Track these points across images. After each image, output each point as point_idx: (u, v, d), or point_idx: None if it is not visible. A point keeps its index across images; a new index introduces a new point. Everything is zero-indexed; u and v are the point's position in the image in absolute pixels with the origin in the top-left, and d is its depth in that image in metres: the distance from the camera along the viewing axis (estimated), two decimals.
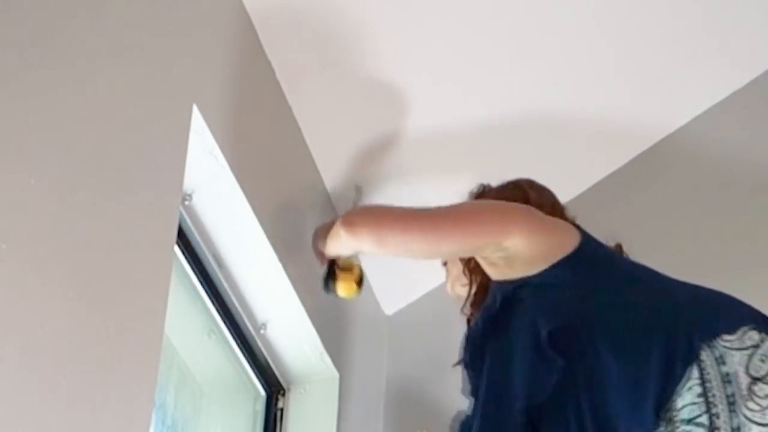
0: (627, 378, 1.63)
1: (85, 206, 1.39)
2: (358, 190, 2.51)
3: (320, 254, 2.13)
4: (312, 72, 2.30)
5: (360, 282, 2.15)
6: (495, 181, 2.06)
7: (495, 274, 1.88)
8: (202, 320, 2.17)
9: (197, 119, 1.78)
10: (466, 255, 1.95)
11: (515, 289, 1.84)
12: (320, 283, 2.11)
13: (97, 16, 1.51)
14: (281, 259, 2.12)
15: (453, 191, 2.02)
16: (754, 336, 1.60)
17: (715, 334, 1.60)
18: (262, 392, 2.37)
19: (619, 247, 2.00)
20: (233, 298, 2.17)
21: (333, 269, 2.11)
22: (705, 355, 1.59)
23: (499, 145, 2.60)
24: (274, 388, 2.38)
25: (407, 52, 2.37)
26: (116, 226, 1.46)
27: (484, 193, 2.07)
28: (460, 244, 1.88)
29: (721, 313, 1.65)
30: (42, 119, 1.32)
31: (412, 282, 2.70)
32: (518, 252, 1.82)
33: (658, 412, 1.58)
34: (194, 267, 2.06)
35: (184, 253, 2.02)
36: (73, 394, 1.28)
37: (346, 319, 2.57)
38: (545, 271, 1.81)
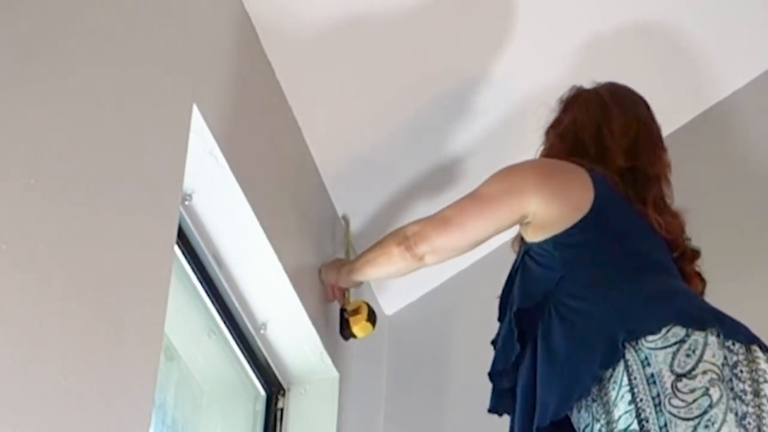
0: (558, 364, 1.72)
1: (85, 206, 1.39)
2: (346, 220, 2.54)
3: (331, 288, 2.29)
4: (312, 72, 2.30)
5: (371, 318, 2.27)
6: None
7: (525, 235, 1.94)
8: (202, 320, 2.17)
9: (197, 119, 1.78)
10: (506, 228, 1.98)
11: (524, 255, 1.91)
12: (338, 335, 2.29)
13: (96, 16, 1.51)
14: (281, 259, 2.12)
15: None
16: (679, 332, 1.63)
17: (638, 335, 1.63)
18: (262, 392, 2.37)
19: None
20: (233, 298, 2.17)
21: (344, 317, 2.27)
22: (631, 359, 1.62)
23: None
24: (274, 388, 2.38)
25: (407, 51, 2.37)
26: (116, 226, 1.46)
27: (576, 95, 2.10)
28: (490, 223, 1.95)
29: (647, 314, 1.68)
30: (42, 119, 1.32)
31: (412, 282, 2.69)
32: (537, 216, 1.88)
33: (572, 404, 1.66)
34: (194, 267, 2.06)
35: (184, 253, 2.02)
36: (72, 393, 1.28)
37: None
38: (536, 244, 1.87)
